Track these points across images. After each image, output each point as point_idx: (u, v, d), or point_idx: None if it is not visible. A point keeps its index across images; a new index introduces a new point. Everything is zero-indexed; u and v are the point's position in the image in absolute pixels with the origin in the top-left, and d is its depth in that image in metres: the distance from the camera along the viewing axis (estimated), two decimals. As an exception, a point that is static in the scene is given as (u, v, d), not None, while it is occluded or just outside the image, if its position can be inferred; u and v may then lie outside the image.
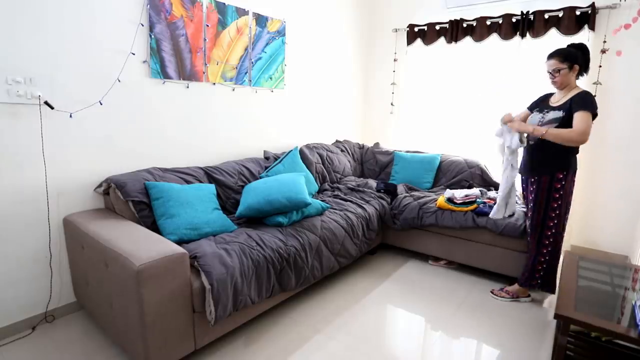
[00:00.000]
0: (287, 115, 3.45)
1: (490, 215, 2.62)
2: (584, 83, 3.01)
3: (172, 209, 2.07)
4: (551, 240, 2.31)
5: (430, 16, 3.78)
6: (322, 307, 2.37)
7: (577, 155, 2.29)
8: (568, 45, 2.27)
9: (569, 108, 2.16)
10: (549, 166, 2.26)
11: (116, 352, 1.88)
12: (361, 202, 2.98)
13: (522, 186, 2.52)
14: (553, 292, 2.38)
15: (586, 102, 2.12)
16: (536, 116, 2.33)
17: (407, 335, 2.15)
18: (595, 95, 2.29)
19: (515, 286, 2.52)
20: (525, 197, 2.51)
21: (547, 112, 2.27)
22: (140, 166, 2.38)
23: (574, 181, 2.29)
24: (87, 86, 2.10)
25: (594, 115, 2.12)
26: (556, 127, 2.19)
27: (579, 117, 2.10)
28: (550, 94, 2.40)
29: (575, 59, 2.19)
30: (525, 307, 2.44)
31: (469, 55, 3.58)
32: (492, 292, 2.58)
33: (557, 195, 2.25)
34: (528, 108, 2.49)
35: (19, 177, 1.92)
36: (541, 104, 2.38)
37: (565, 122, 2.17)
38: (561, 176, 2.23)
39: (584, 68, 2.25)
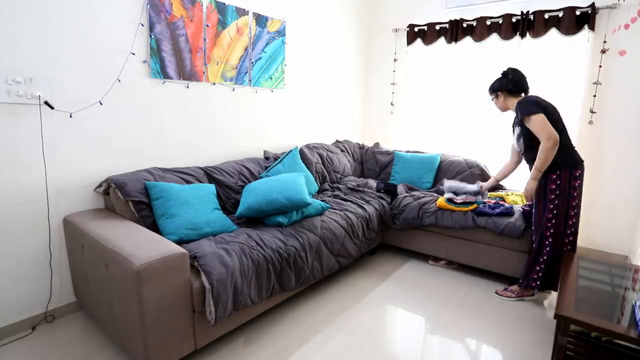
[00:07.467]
0: (287, 115, 3.45)
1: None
2: (583, 83, 3.01)
3: (172, 209, 2.07)
4: (550, 240, 2.31)
5: (430, 16, 3.78)
6: (322, 307, 2.37)
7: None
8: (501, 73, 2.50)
9: (519, 122, 2.34)
10: None
11: (116, 352, 1.88)
12: (361, 202, 2.98)
13: None
14: (555, 289, 2.37)
15: (521, 110, 2.28)
16: (515, 133, 2.49)
17: (407, 335, 2.15)
18: (536, 99, 2.31)
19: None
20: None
21: (515, 129, 2.47)
22: (140, 166, 2.38)
23: (574, 178, 2.24)
24: (87, 86, 2.10)
25: (536, 112, 2.20)
26: (523, 139, 2.36)
27: (530, 126, 2.25)
28: None
29: (494, 88, 2.49)
30: (525, 307, 2.44)
31: (469, 55, 3.58)
32: (496, 293, 2.58)
33: (553, 196, 2.26)
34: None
35: (19, 177, 1.92)
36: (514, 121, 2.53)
37: (526, 133, 2.32)
38: (554, 176, 2.25)
39: (516, 88, 2.42)
